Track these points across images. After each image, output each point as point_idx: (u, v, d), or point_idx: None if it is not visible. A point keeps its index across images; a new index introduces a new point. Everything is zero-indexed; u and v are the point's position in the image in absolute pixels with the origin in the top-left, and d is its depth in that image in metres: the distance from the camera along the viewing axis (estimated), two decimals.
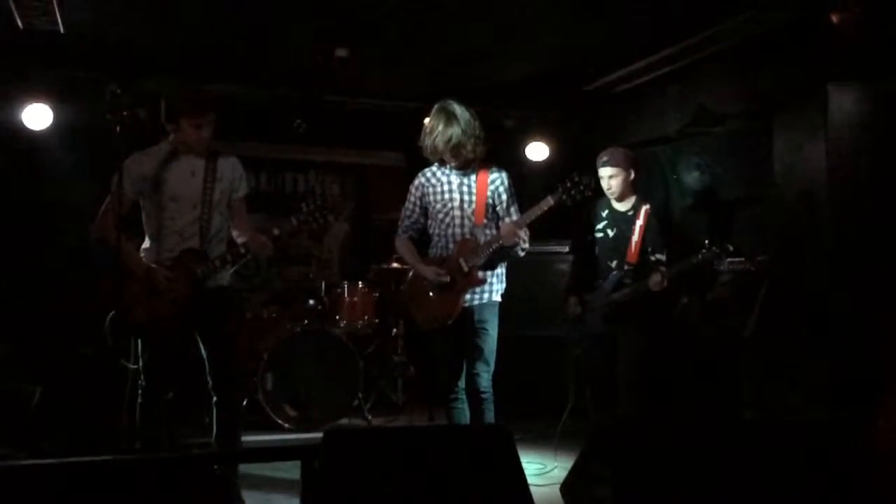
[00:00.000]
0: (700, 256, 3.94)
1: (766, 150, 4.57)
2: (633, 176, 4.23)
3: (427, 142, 3.79)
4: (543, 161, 6.12)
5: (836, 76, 4.10)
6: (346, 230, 7.05)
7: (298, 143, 6.37)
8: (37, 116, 5.13)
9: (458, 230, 3.82)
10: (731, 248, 3.93)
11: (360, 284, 5.72)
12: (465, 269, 3.71)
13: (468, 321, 3.75)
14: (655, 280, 3.99)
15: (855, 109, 4.14)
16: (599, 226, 4.32)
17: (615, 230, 4.26)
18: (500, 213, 3.85)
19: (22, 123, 5.12)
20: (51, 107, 5.13)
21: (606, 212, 4.32)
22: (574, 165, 4.63)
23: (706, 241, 3.95)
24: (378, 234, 6.32)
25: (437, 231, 3.89)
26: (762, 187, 4.68)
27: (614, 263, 4.21)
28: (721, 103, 4.88)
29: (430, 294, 3.80)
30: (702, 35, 4.48)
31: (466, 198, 3.82)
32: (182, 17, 4.59)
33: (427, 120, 3.84)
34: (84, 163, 5.18)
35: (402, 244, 3.96)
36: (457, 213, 3.83)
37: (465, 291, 3.74)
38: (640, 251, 4.15)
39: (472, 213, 3.82)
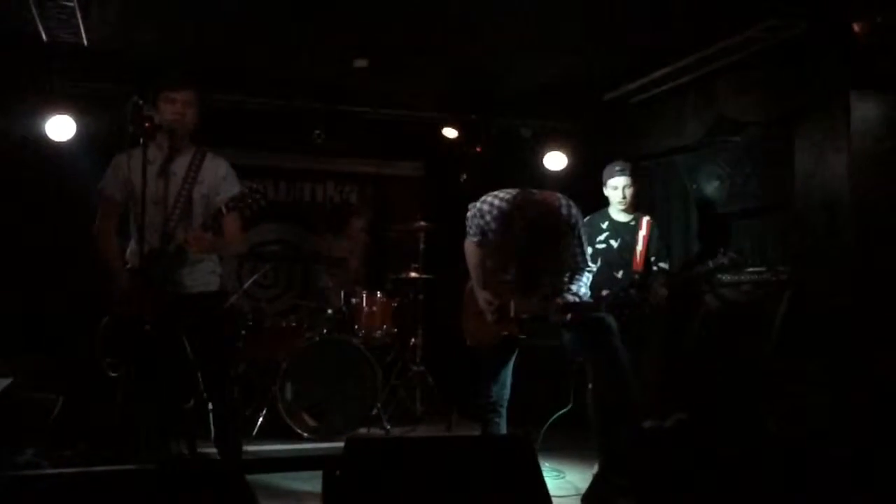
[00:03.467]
0: (712, 263, 3.99)
1: (787, 159, 4.53)
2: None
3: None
4: (561, 171, 6.11)
5: (858, 84, 4.07)
6: (365, 240, 7.06)
7: (317, 153, 6.39)
8: (60, 128, 5.16)
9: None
10: (739, 258, 4.00)
11: (379, 294, 5.72)
12: (511, 314, 3.67)
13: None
14: (661, 294, 4.04)
15: (878, 117, 4.10)
16: (601, 237, 4.39)
17: (619, 240, 4.34)
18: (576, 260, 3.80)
19: (45, 135, 5.17)
20: (74, 118, 5.17)
21: (607, 223, 4.39)
22: (592, 175, 4.67)
23: (720, 249, 3.99)
24: (396, 244, 6.32)
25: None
26: (783, 196, 4.64)
27: (620, 273, 4.26)
28: (741, 112, 4.84)
29: (483, 314, 3.73)
30: (722, 44, 4.46)
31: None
32: (203, 30, 4.64)
33: None
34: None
35: (472, 251, 3.80)
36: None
37: (514, 324, 3.67)
38: (645, 260, 4.29)
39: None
